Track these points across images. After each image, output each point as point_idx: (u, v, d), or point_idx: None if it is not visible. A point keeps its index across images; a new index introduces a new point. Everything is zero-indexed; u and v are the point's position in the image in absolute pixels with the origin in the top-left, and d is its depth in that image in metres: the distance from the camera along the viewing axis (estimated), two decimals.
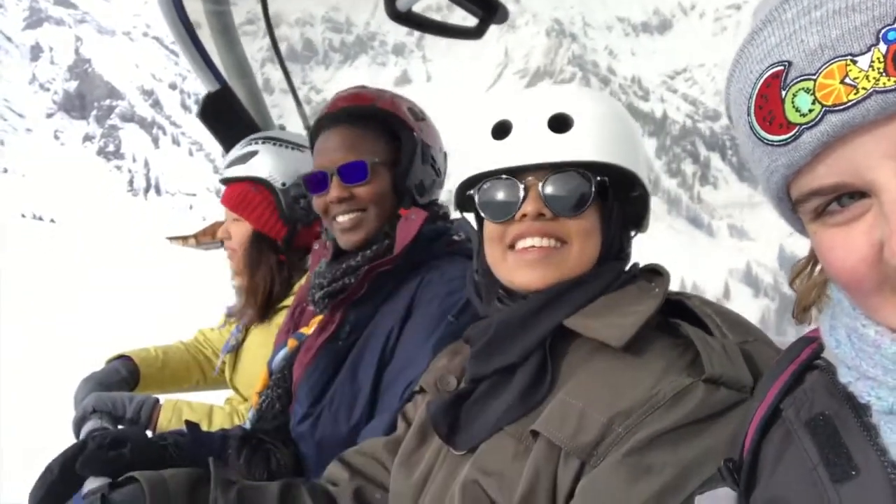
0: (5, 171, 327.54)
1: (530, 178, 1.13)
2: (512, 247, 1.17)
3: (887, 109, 0.55)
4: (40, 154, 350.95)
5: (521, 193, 1.14)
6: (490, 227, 1.20)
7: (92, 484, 1.42)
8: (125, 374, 2.26)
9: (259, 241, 2.22)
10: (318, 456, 1.60)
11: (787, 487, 0.71)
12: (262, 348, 2.12)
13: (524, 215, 1.14)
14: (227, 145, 2.41)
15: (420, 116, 1.75)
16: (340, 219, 1.66)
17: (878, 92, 0.55)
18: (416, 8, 1.66)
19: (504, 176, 1.15)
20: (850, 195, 0.60)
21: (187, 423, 1.75)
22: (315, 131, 1.74)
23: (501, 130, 1.16)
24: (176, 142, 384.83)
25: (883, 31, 0.55)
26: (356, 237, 1.66)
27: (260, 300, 2.18)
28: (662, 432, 0.95)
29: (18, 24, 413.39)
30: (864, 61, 0.55)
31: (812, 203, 0.62)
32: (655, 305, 1.09)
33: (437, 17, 1.76)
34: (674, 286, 1.17)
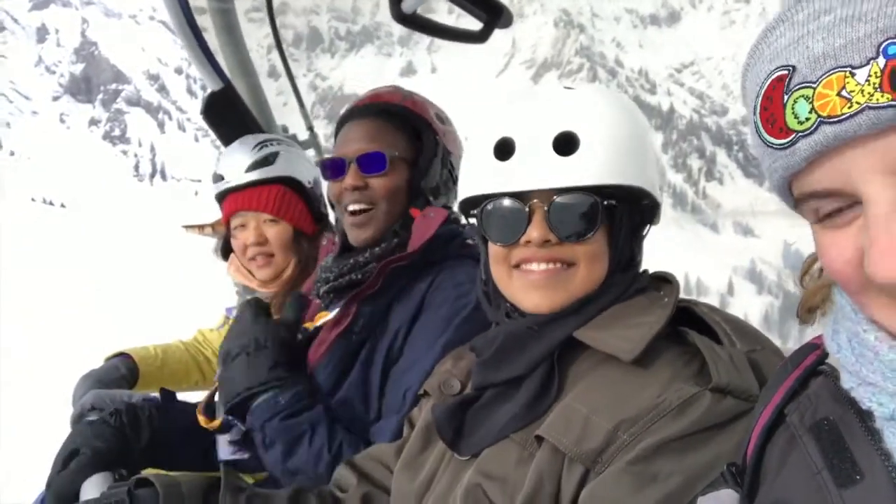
0: (12, 153, 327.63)
1: (535, 200, 1.11)
2: (518, 266, 1.16)
3: (879, 125, 0.55)
4: (46, 137, 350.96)
5: (526, 217, 1.11)
6: (494, 248, 1.18)
7: (95, 482, 1.48)
8: (124, 371, 2.26)
9: (299, 239, 2.25)
10: None
11: (791, 491, 0.71)
12: None
13: (529, 241, 1.12)
14: (230, 143, 2.44)
15: (446, 122, 1.77)
16: (351, 208, 1.67)
17: (870, 107, 0.55)
18: (421, 10, 1.66)
19: (507, 198, 1.13)
20: (847, 202, 0.61)
21: (162, 390, 1.79)
22: (341, 123, 1.76)
23: (504, 150, 1.12)
24: (182, 127, 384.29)
25: (884, 44, 0.55)
26: (366, 234, 1.67)
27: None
28: (668, 440, 0.94)
29: (25, 5, 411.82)
30: (861, 74, 0.56)
31: (811, 204, 0.64)
32: (665, 316, 1.07)
33: (441, 19, 1.75)
34: (679, 284, 1.17)
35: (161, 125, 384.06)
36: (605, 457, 0.97)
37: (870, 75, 0.55)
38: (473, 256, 1.58)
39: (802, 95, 0.59)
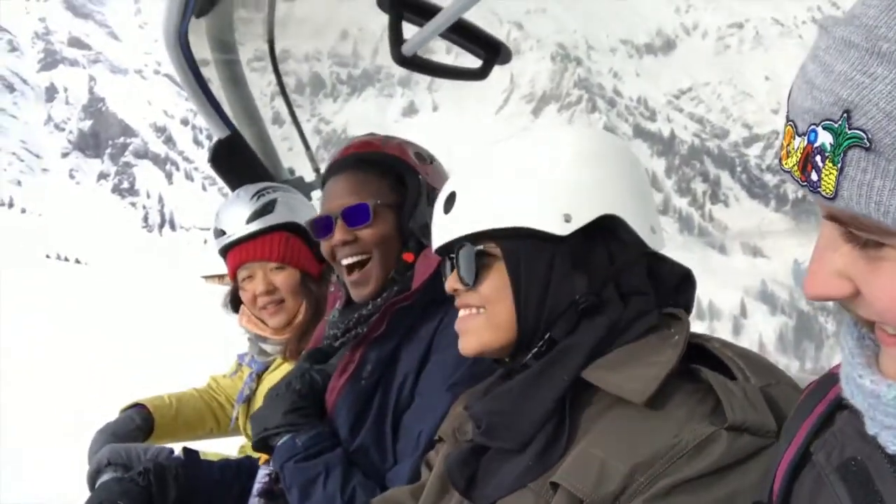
0: (23, 211, 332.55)
1: (452, 256, 1.22)
2: None
3: (800, 190, 0.59)
4: (57, 193, 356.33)
5: (450, 271, 1.24)
6: None
7: None
8: (139, 422, 2.27)
9: (307, 282, 2.27)
10: None
11: None
12: None
13: (449, 292, 1.25)
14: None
15: (427, 160, 1.77)
16: (346, 262, 1.68)
17: (791, 176, 0.60)
18: (421, 52, 1.69)
19: (444, 257, 1.27)
20: None
21: (185, 449, 1.80)
22: (325, 179, 1.78)
23: (433, 216, 1.26)
24: (189, 177, 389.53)
25: (813, 126, 0.57)
26: (365, 291, 1.68)
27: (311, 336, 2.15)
28: (685, 480, 0.94)
29: (34, 66, 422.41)
30: (797, 141, 0.59)
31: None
32: (676, 356, 1.06)
33: (441, 60, 1.81)
34: (689, 322, 1.14)
35: (169, 176, 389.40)
36: (623, 500, 0.97)
37: (796, 148, 0.59)
38: None
39: (786, 131, 0.63)
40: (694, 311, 1.16)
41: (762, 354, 1.14)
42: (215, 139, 2.63)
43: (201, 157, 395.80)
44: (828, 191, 0.56)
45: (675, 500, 0.93)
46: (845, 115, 0.55)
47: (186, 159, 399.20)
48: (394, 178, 1.70)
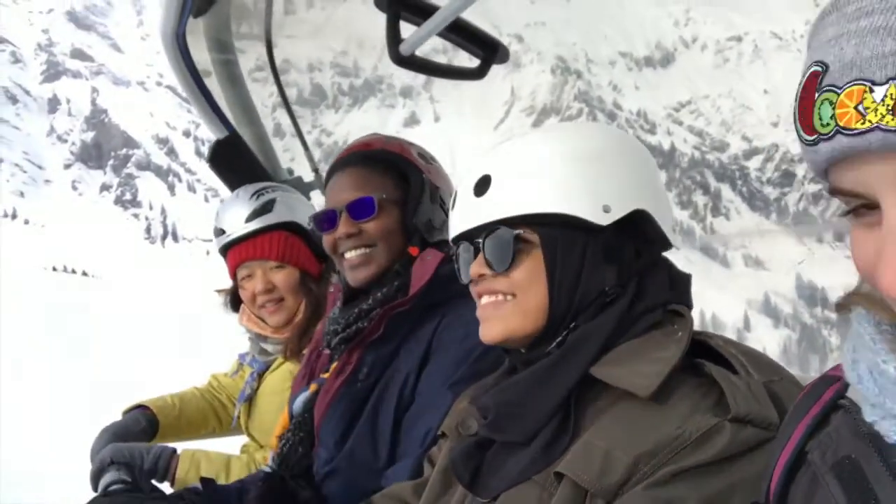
0: (26, 222, 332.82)
1: (478, 240, 1.20)
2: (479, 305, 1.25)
3: (887, 146, 0.55)
4: (59, 205, 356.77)
5: (472, 257, 1.22)
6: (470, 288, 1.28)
7: None
8: (144, 424, 2.27)
9: (306, 281, 2.28)
10: (343, 498, 1.60)
11: None
12: (276, 395, 2.21)
13: (472, 278, 1.22)
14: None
15: (429, 160, 1.80)
16: (349, 255, 1.69)
17: (880, 128, 0.55)
18: (419, 52, 1.69)
19: (461, 242, 1.25)
20: (873, 203, 0.60)
21: (202, 479, 1.77)
22: (328, 177, 1.80)
23: (453, 201, 1.27)
24: (192, 188, 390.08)
25: None
26: (365, 273, 1.68)
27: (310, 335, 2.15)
28: (687, 469, 0.95)
29: (37, 78, 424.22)
30: (879, 92, 0.55)
31: (840, 198, 0.64)
32: (680, 351, 1.08)
33: (439, 59, 1.81)
34: (693, 318, 1.18)
35: (171, 187, 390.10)
36: (626, 490, 0.98)
37: (886, 95, 0.55)
38: None
39: (828, 99, 0.59)
40: (697, 322, 1.17)
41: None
42: (214, 139, 2.64)
43: (204, 168, 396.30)
44: None
45: (676, 488, 0.94)
46: None
47: (189, 171, 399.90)
48: (397, 175, 1.72)
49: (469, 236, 1.22)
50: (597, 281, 1.17)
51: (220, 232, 2.32)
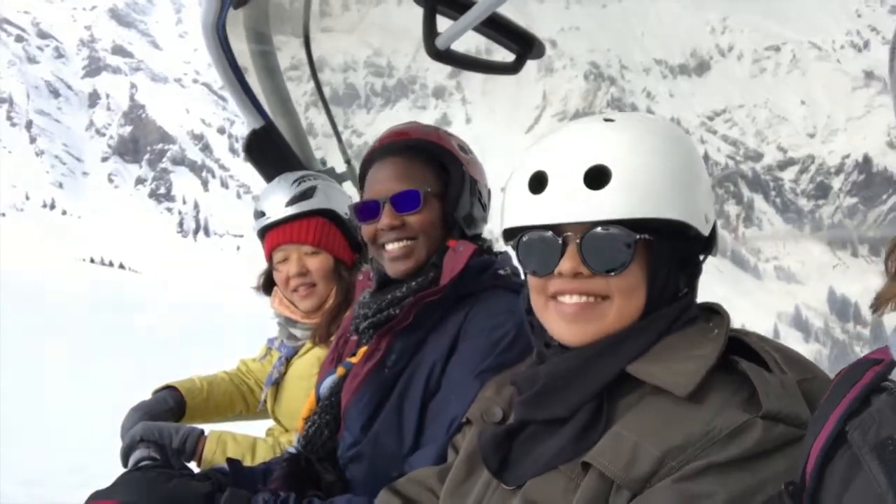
0: (64, 212, 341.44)
1: (569, 232, 1.11)
2: (554, 297, 1.17)
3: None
4: (96, 197, 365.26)
5: (559, 249, 1.12)
6: (532, 279, 1.20)
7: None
8: (172, 404, 2.31)
9: (339, 268, 2.31)
10: (366, 482, 1.61)
11: None
12: (302, 380, 2.24)
13: (561, 273, 1.13)
14: (271, 180, 2.50)
15: (468, 151, 1.78)
16: (390, 247, 1.69)
17: None
18: (455, 46, 1.68)
19: (541, 230, 1.14)
20: None
21: (229, 460, 1.80)
22: (366, 163, 1.78)
23: (538, 183, 1.14)
24: (224, 184, 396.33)
25: None
26: (406, 266, 1.68)
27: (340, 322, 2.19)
28: (715, 464, 0.94)
29: (78, 73, 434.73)
30: None
31: None
32: (717, 350, 1.07)
33: (475, 54, 1.78)
34: (730, 316, 1.18)
35: (205, 183, 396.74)
36: (654, 483, 0.97)
37: None
38: (507, 287, 1.66)
39: None
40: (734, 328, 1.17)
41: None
42: (250, 129, 2.69)
43: (237, 165, 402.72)
44: None
45: (705, 482, 0.93)
46: None
47: (222, 167, 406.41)
48: (438, 167, 1.71)
49: (558, 228, 1.12)
50: (674, 286, 1.17)
51: (259, 214, 2.35)
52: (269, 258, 2.36)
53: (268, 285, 2.46)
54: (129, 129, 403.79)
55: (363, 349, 1.71)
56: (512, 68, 1.83)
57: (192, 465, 2.03)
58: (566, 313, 1.14)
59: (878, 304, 0.77)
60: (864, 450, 0.69)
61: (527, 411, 1.17)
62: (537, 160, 1.16)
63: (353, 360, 1.74)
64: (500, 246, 1.53)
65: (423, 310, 1.60)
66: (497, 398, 1.32)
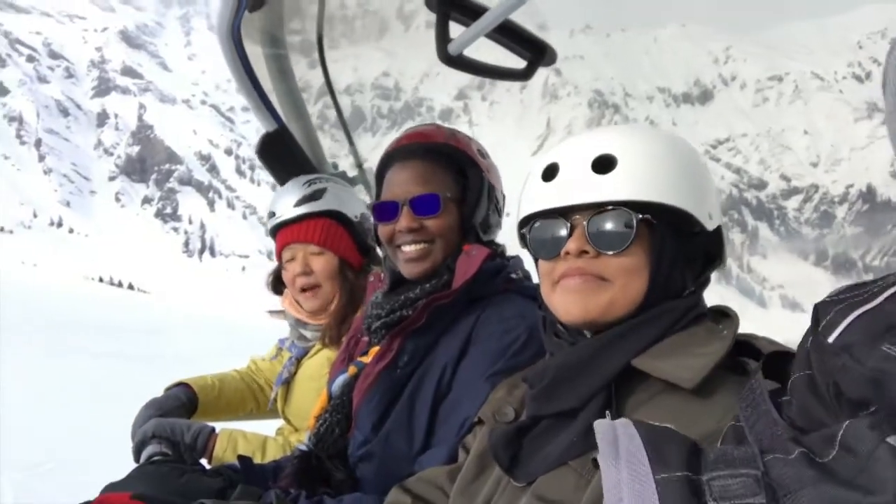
0: (71, 231, 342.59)
1: (577, 217, 1.17)
2: (559, 281, 1.21)
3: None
4: (102, 215, 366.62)
5: (567, 232, 1.17)
6: (541, 264, 1.25)
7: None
8: (184, 400, 2.34)
9: (344, 270, 2.31)
10: (376, 481, 1.62)
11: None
12: (312, 381, 2.26)
13: (567, 253, 1.17)
14: (284, 182, 2.53)
15: (486, 157, 1.79)
16: (407, 248, 1.69)
17: None
18: (468, 52, 1.67)
19: (552, 216, 1.20)
20: None
21: (240, 457, 1.82)
22: (385, 163, 1.77)
23: (550, 173, 1.20)
24: (231, 205, 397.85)
25: None
26: (421, 268, 1.69)
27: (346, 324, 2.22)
28: None
29: (88, 93, 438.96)
30: None
31: None
32: (725, 348, 1.09)
33: (487, 60, 1.77)
34: (739, 319, 1.20)
35: (211, 203, 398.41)
36: None
37: None
38: (519, 291, 1.67)
39: None
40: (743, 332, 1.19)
41: None
42: (263, 132, 2.71)
43: (243, 186, 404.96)
44: None
45: None
46: None
47: (229, 188, 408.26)
48: (457, 171, 1.71)
49: (565, 212, 1.18)
50: (679, 280, 1.20)
51: (271, 214, 2.40)
52: (279, 257, 2.40)
53: (277, 284, 2.50)
54: (136, 148, 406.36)
55: (375, 349, 1.73)
56: (523, 74, 1.87)
57: (203, 462, 2.06)
58: (569, 287, 1.18)
59: None
60: None
61: (538, 406, 1.20)
62: (551, 155, 1.23)
63: (365, 359, 1.76)
64: (513, 251, 1.59)
65: (436, 312, 1.61)
66: (509, 398, 1.36)
